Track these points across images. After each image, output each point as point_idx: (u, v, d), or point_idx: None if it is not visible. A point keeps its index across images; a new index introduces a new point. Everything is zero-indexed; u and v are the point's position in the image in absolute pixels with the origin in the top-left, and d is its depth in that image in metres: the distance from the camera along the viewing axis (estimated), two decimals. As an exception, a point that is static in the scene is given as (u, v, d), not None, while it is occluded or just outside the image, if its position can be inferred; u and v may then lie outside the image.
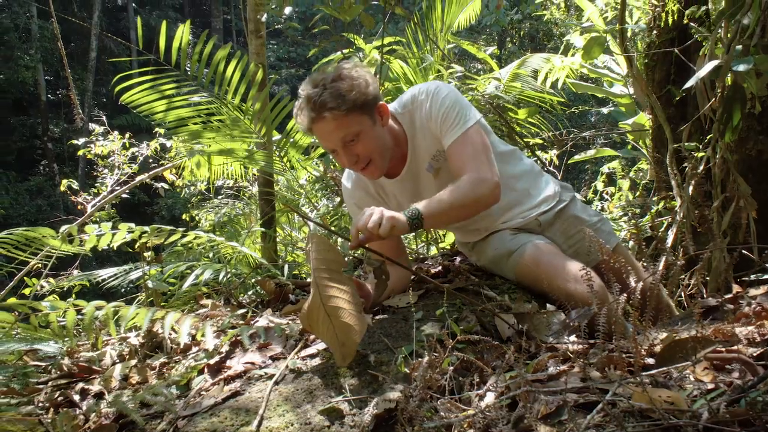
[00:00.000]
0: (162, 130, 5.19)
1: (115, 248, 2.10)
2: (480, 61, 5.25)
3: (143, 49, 2.89)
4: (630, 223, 4.46)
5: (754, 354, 1.05)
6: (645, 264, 2.49)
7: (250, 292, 2.37)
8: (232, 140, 3.28)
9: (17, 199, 15.13)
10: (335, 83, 1.59)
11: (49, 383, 1.55)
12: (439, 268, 2.14)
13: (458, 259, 2.24)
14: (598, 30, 3.83)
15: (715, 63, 2.92)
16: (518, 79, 4.09)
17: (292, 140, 3.37)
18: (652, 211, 4.22)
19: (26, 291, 2.91)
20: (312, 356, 1.46)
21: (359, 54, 4.30)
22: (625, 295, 1.86)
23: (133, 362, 1.60)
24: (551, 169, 4.40)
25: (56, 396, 1.45)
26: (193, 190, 5.62)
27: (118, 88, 2.84)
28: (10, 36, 15.65)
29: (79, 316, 1.64)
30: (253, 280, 2.28)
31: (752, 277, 2.99)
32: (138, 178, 5.28)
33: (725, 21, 3.29)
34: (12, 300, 1.98)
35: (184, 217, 5.79)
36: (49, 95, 18.11)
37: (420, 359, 1.34)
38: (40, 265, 3.32)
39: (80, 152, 5.62)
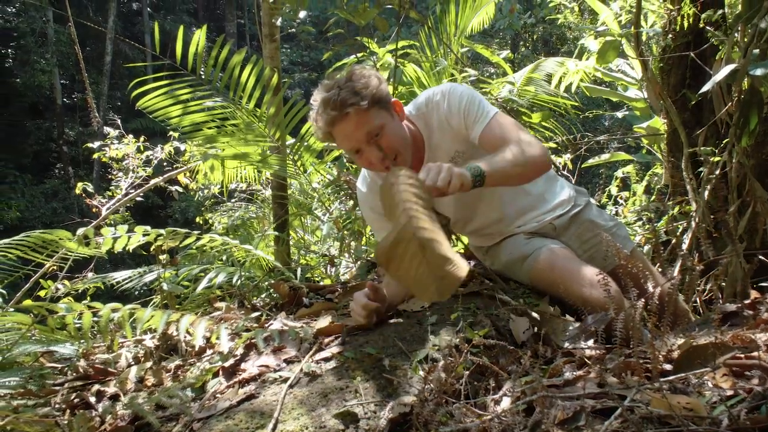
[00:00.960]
0: (176, 134, 5.22)
1: (130, 251, 2.12)
2: (493, 65, 5.24)
3: (159, 53, 2.91)
4: (645, 227, 4.43)
5: (775, 361, 1.04)
6: (661, 269, 2.47)
7: (263, 295, 2.38)
8: (246, 144, 3.30)
9: (33, 202, 15.29)
10: (349, 83, 1.60)
11: (66, 385, 1.56)
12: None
13: (472, 263, 2.23)
14: (613, 34, 3.81)
15: (732, 67, 2.90)
16: (532, 82, 4.08)
17: (305, 144, 3.38)
18: (668, 215, 4.18)
19: (42, 293, 2.93)
20: (326, 359, 1.46)
21: (373, 58, 4.32)
22: (642, 300, 1.84)
23: (149, 364, 1.61)
24: (565, 173, 4.38)
25: (72, 398, 1.46)
26: (207, 193, 5.65)
27: (134, 94, 2.87)
28: (26, 40, 15.84)
29: (95, 318, 1.65)
30: (266, 284, 2.29)
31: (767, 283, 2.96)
32: (152, 182, 5.31)
33: (742, 25, 3.26)
34: (28, 302, 2.00)
35: (197, 220, 5.82)
36: (65, 99, 18.30)
37: (435, 363, 1.33)
38: (55, 267, 3.35)
39: (95, 155, 5.67)
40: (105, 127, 6.46)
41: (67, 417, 1.35)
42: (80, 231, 1.98)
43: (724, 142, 4.03)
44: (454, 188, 1.43)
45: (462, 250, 2.62)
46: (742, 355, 1.09)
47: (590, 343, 1.37)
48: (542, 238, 1.93)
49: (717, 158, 3.84)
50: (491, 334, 1.52)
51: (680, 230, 3.76)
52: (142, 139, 5.58)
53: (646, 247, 3.80)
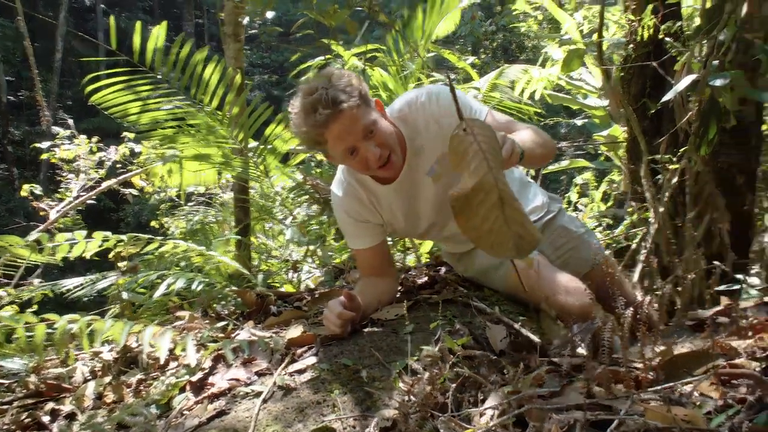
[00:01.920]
0: (131, 135, 5.04)
1: (87, 257, 2.00)
2: (456, 71, 5.27)
3: (113, 50, 2.78)
4: (605, 233, 4.49)
5: (757, 369, 1.03)
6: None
7: (226, 303, 2.28)
8: (208, 145, 3.19)
9: (-26, 204, 14.62)
10: (333, 82, 1.53)
11: (15, 403, 1.45)
12: (425, 278, 2.09)
13: (443, 269, 2.19)
14: (578, 43, 3.85)
15: (693, 77, 2.95)
16: (497, 89, 4.09)
17: (269, 147, 3.29)
18: (626, 222, 4.25)
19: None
20: (301, 371, 1.39)
21: (339, 60, 4.26)
22: (630, 309, 1.83)
23: (107, 379, 1.51)
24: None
25: (23, 417, 1.36)
26: (163, 196, 5.47)
27: (89, 88, 2.73)
28: (-31, 35, 15.17)
29: (49, 331, 1.54)
30: (231, 291, 2.20)
31: (723, 287, 3.02)
32: (105, 184, 5.12)
33: (701, 37, 3.33)
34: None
35: (152, 224, 5.63)
36: (10, 97, 17.58)
37: (417, 375, 1.28)
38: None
39: (43, 156, 5.43)
40: (54, 127, 6.19)
41: (18, 437, 1.25)
42: (32, 235, 1.86)
43: (681, 150, 4.13)
44: (512, 161, 1.40)
45: (426, 256, 2.58)
46: (726, 363, 1.07)
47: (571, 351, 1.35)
48: (516, 244, 1.90)
49: (675, 166, 3.92)
50: (470, 344, 1.48)
51: (639, 237, 3.82)
52: (94, 139, 5.38)
53: (606, 251, 3.84)
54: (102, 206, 13.93)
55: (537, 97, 4.25)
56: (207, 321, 1.94)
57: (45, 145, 5.33)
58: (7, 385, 1.57)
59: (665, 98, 3.01)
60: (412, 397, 1.17)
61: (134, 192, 5.33)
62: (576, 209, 5.26)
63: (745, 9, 3.16)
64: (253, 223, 3.78)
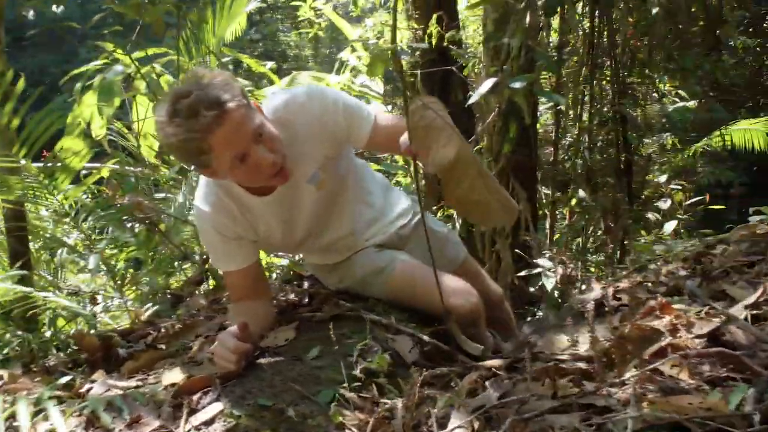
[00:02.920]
0: None
1: None
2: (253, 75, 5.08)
3: None
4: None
5: (701, 346, 1.10)
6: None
7: (52, 352, 1.86)
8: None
9: None
10: (210, 82, 1.31)
11: None
12: (292, 295, 1.93)
13: (306, 283, 2.05)
14: (379, 48, 3.92)
15: (493, 80, 3.19)
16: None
17: (59, 163, 2.79)
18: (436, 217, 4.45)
19: None
20: (209, 423, 1.16)
21: (117, 67, 3.80)
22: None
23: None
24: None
25: None
26: None
27: None
28: None
29: None
30: (70, 336, 1.79)
31: (524, 272, 3.33)
32: None
33: (492, 43, 3.63)
34: None
35: None
36: None
37: (352, 404, 1.15)
38: None
39: None
40: None
41: None
42: None
43: (476, 147, 4.46)
44: None
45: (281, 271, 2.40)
46: (668, 344, 1.13)
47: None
48: (391, 250, 1.85)
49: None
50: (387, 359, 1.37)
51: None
52: None
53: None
54: None
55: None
56: (37, 378, 1.55)
57: None
58: None
59: (471, 101, 3.19)
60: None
61: None
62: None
63: (528, 19, 3.51)
64: (35, 255, 3.19)
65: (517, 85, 3.35)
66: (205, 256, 2.37)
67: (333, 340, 1.43)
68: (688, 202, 5.84)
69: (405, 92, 1.42)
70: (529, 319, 3.06)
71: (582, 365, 1.17)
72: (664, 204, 5.08)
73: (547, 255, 4.17)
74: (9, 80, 2.72)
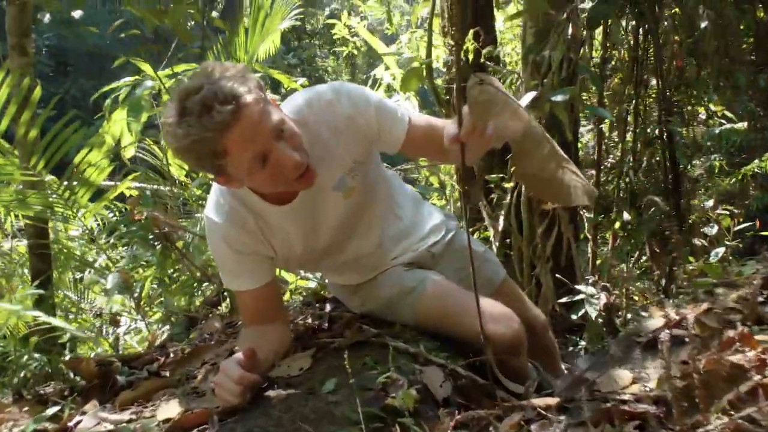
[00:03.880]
0: None
1: None
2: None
3: None
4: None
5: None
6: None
7: (46, 379, 1.72)
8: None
9: None
10: (221, 74, 1.16)
11: None
12: (311, 319, 1.75)
13: (328, 306, 1.87)
14: (418, 62, 3.80)
15: (533, 94, 3.00)
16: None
17: (80, 177, 2.71)
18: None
19: None
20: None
21: (147, 82, 3.75)
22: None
23: None
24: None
25: None
26: None
27: None
28: None
29: None
30: (63, 362, 1.65)
31: (566, 299, 3.08)
32: None
33: (533, 56, 3.45)
34: None
35: None
36: None
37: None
38: None
39: None
40: None
41: None
42: None
43: (513, 168, 4.27)
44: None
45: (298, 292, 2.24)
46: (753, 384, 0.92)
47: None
48: (421, 269, 1.67)
49: (510, 184, 4.03)
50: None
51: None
52: None
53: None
54: None
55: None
56: (26, 408, 1.41)
57: None
58: None
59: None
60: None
61: None
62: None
63: (570, 30, 3.34)
64: (57, 273, 3.11)
65: (558, 98, 3.14)
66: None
67: (352, 371, 1.25)
68: (737, 228, 5.50)
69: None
70: (576, 349, 2.82)
71: (651, 408, 0.96)
72: (711, 230, 4.77)
73: (590, 281, 3.92)
74: (37, 96, 2.66)
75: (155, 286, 2.93)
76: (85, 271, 3.36)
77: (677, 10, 4.12)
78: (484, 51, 4.26)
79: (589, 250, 4.25)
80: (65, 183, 2.68)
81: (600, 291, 3.30)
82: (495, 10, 4.74)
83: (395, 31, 4.92)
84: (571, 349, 3.15)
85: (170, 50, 3.69)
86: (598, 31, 3.82)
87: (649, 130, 4.20)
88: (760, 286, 1.47)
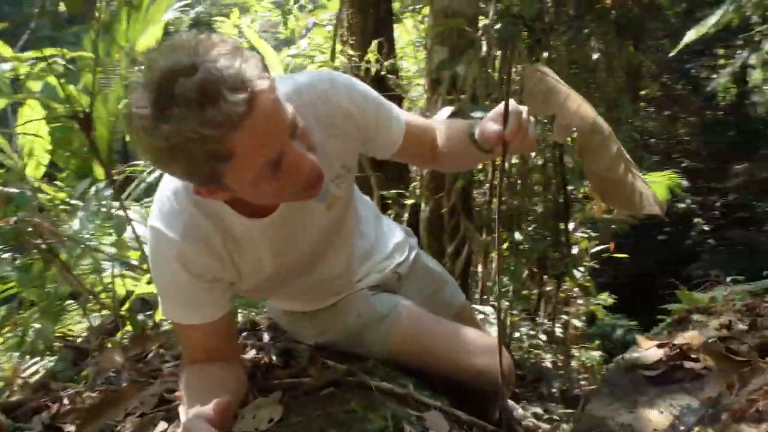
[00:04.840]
0: None
1: None
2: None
3: None
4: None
5: None
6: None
7: None
8: None
9: None
10: (217, 50, 0.84)
11: None
12: (253, 352, 1.45)
13: (267, 335, 1.58)
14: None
15: (451, 109, 2.91)
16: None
17: None
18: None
19: None
20: None
21: (3, 65, 3.17)
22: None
23: None
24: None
25: None
26: None
27: None
28: None
29: None
30: None
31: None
32: None
33: (444, 72, 3.39)
34: None
35: None
36: None
37: None
38: None
39: None
40: None
41: None
42: None
43: (412, 185, 4.16)
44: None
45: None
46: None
47: None
48: (388, 293, 1.45)
49: (410, 201, 3.92)
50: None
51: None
52: None
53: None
54: None
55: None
56: None
57: None
58: None
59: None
60: None
61: None
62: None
63: (484, 48, 3.31)
64: None
65: (478, 114, 3.06)
66: (122, 298, 1.84)
67: (339, 423, 1.01)
68: (594, 250, 5.88)
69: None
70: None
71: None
72: (573, 250, 5.02)
73: (490, 300, 3.91)
74: None
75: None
76: None
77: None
78: (386, 63, 4.15)
79: (479, 269, 4.25)
80: None
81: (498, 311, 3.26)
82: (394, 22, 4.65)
83: (289, 35, 4.66)
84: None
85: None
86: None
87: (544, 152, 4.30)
88: (744, 313, 1.43)
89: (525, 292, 4.82)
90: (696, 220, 9.80)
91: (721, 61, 11.66)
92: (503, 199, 4.30)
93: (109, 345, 1.68)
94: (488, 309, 3.51)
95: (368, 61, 4.16)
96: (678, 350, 1.27)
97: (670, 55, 8.40)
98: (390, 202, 3.87)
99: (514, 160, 4.27)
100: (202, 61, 0.82)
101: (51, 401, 1.37)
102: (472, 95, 3.10)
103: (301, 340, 1.46)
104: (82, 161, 3.19)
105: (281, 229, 1.12)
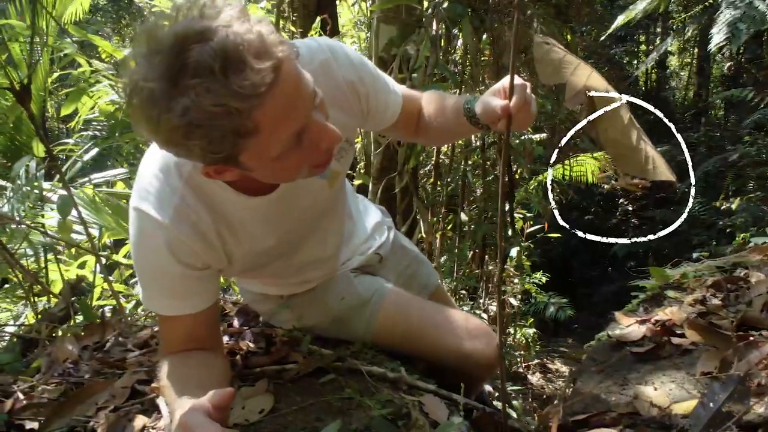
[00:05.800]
0: None
1: None
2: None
3: None
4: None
5: None
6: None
7: None
8: None
9: None
10: (229, 13, 0.74)
11: None
12: (227, 338, 1.37)
13: (237, 321, 1.50)
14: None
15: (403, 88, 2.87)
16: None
17: None
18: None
19: None
20: None
21: None
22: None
23: None
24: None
25: None
26: None
27: None
28: None
29: None
30: None
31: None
32: None
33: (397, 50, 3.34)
34: None
35: None
36: None
37: None
38: None
39: None
40: None
41: None
42: None
43: (357, 166, 4.10)
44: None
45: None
46: None
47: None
48: (369, 275, 1.40)
49: (358, 181, 3.86)
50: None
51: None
52: None
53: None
54: None
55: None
56: None
57: None
58: None
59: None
60: None
61: None
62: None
63: (434, 27, 3.28)
64: None
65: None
66: (71, 283, 1.69)
67: (335, 410, 0.96)
68: (529, 230, 6.04)
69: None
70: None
71: None
72: (509, 230, 5.13)
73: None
74: None
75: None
76: None
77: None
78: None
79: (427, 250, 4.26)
80: None
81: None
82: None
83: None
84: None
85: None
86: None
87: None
88: (716, 288, 1.47)
89: (468, 272, 4.87)
90: (620, 200, 10.23)
91: (642, 47, 12.20)
92: (448, 180, 4.32)
93: (61, 335, 1.55)
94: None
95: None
96: (662, 326, 1.29)
97: (601, 39, 8.68)
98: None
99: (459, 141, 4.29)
100: (217, 25, 0.73)
101: (2, 396, 1.25)
102: (425, 73, 3.07)
103: (277, 325, 1.39)
104: (8, 138, 2.93)
105: (282, 206, 1.04)
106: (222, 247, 1.01)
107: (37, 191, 2.39)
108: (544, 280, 6.35)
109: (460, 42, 3.94)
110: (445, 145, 4.63)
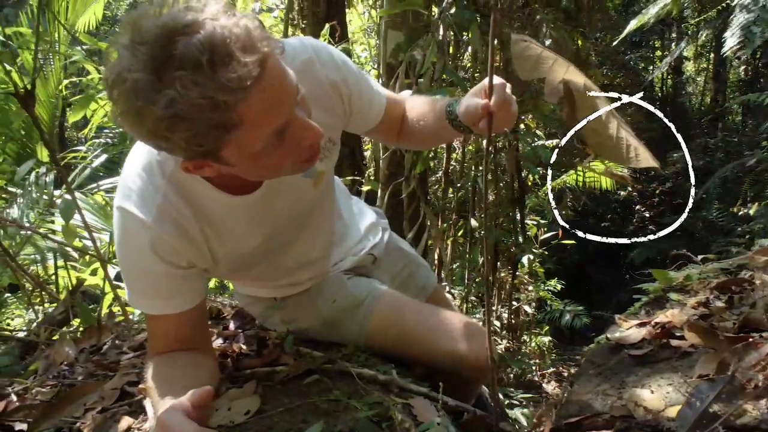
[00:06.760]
0: None
1: None
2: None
3: None
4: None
5: None
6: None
7: None
8: None
9: None
10: (216, 7, 0.75)
11: None
12: (220, 341, 1.36)
13: (232, 324, 1.50)
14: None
15: (409, 92, 2.86)
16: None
17: None
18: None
19: None
20: None
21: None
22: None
23: None
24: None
25: None
26: None
27: None
28: None
29: None
30: None
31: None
32: None
33: (405, 55, 3.33)
34: None
35: None
36: None
37: None
38: None
39: None
40: None
41: None
42: None
43: (366, 172, 4.10)
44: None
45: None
46: None
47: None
48: (361, 277, 1.38)
49: (367, 187, 3.86)
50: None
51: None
52: None
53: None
54: None
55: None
56: None
57: None
58: None
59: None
60: None
61: None
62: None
63: (440, 33, 3.28)
64: None
65: (438, 98, 3.02)
66: (71, 288, 1.70)
67: (322, 412, 0.94)
68: (543, 237, 5.97)
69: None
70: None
71: None
72: (521, 237, 5.09)
73: (447, 286, 3.89)
74: None
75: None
76: None
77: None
78: (339, 48, 4.06)
79: (436, 256, 4.24)
80: None
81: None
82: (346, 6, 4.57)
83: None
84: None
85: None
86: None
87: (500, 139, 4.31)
88: (720, 290, 1.44)
89: (478, 279, 4.83)
90: (637, 207, 10.12)
91: (657, 53, 12.11)
92: (458, 185, 4.30)
93: (60, 338, 1.56)
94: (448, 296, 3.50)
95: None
96: (661, 329, 1.26)
97: (613, 44, 8.63)
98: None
99: (470, 147, 4.27)
100: (204, 18, 0.73)
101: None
102: (431, 79, 3.06)
103: (270, 328, 1.39)
104: (20, 146, 2.98)
105: (266, 205, 1.04)
106: (205, 244, 1.01)
107: (46, 197, 2.42)
108: (559, 287, 6.28)
109: (469, 48, 3.94)
110: (455, 153, 4.62)
